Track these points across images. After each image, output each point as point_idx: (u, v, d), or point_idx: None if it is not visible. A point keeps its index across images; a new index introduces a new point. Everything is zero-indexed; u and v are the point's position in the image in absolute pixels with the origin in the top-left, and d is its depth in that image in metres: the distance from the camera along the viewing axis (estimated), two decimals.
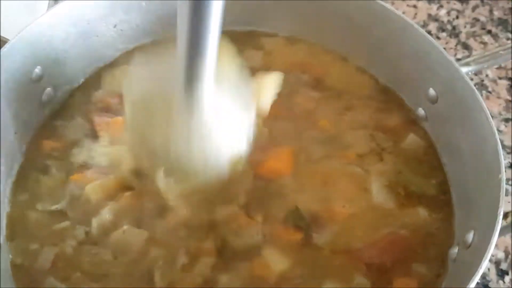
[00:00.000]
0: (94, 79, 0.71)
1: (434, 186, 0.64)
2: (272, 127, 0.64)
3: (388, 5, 0.68)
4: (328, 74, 0.73)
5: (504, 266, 0.70)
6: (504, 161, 0.55)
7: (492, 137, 0.57)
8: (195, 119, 0.49)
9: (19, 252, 0.57)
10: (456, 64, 0.62)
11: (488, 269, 0.70)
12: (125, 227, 0.57)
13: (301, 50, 0.76)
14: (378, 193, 0.62)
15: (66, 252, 0.56)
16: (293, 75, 0.71)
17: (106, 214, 0.58)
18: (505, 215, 0.53)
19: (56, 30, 0.65)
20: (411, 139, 0.68)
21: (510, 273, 0.70)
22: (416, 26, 0.66)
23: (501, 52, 0.63)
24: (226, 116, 0.52)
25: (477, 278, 0.48)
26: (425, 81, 0.68)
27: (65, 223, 0.58)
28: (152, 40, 0.74)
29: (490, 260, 0.71)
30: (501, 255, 0.71)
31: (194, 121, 0.50)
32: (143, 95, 0.53)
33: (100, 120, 0.65)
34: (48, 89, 0.67)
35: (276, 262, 0.57)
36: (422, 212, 0.62)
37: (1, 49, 0.58)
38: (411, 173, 0.64)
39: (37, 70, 0.64)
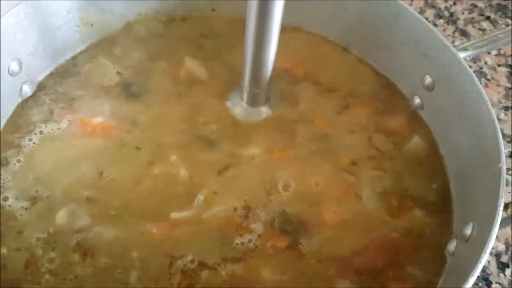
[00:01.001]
0: (68, 69, 0.68)
1: (434, 191, 0.61)
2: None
3: None
4: (326, 66, 0.71)
5: (504, 258, 0.68)
6: (504, 150, 0.52)
7: (491, 125, 0.54)
8: None
9: None
10: (453, 49, 0.60)
11: (488, 262, 0.67)
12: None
13: (300, 41, 0.73)
14: (369, 200, 0.59)
15: (36, 254, 0.53)
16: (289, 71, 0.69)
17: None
18: (506, 206, 0.50)
19: (33, 21, 0.62)
20: (415, 142, 0.64)
21: (511, 265, 0.67)
22: (410, 9, 0.63)
23: (500, 35, 0.60)
24: None
25: (477, 272, 0.45)
26: (421, 68, 0.65)
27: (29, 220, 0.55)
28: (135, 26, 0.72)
29: (490, 253, 0.68)
30: (501, 247, 0.69)
31: None
32: None
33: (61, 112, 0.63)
34: (26, 84, 0.64)
35: (258, 269, 0.54)
36: (417, 213, 0.59)
37: None
38: (410, 178, 0.61)
39: (14, 63, 0.61)
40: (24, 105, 0.64)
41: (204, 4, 0.74)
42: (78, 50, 0.69)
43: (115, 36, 0.71)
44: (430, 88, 0.64)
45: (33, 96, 0.65)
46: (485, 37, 0.61)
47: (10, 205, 0.56)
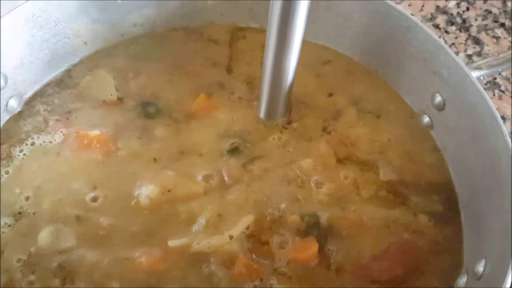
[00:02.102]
0: (60, 82, 0.65)
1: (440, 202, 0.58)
2: None
3: (389, 1, 0.61)
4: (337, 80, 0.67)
5: None
6: None
7: (506, 152, 0.50)
8: None
9: None
10: (466, 68, 0.55)
11: None
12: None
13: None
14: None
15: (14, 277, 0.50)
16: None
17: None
18: None
19: (18, 33, 0.59)
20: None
21: None
22: (420, 24, 0.59)
23: None
24: None
25: None
26: (431, 86, 0.61)
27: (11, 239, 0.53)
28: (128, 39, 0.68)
29: None
30: None
31: None
32: None
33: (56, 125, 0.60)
34: (13, 98, 0.61)
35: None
36: (423, 220, 0.56)
37: None
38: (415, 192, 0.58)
39: None
40: (17, 114, 0.61)
41: (203, 15, 0.70)
42: (70, 63, 0.66)
43: (111, 48, 0.68)
44: (440, 108, 0.60)
45: (27, 105, 0.62)
46: (500, 55, 0.57)
47: None
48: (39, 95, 0.63)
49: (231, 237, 0.53)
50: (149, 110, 0.62)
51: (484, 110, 0.53)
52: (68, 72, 0.65)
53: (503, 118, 0.78)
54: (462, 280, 0.52)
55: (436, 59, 0.59)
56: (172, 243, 0.52)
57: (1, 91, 0.59)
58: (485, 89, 0.81)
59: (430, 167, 0.60)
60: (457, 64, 0.56)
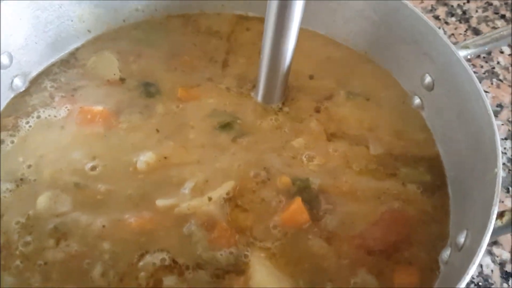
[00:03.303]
0: (66, 62, 0.68)
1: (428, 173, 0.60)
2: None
3: None
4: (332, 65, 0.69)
5: (508, 267, 0.64)
6: (501, 155, 0.49)
7: (489, 127, 0.51)
8: None
9: None
10: (453, 47, 0.57)
11: (492, 271, 0.64)
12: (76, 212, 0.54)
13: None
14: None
15: (11, 239, 0.53)
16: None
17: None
18: (500, 215, 0.47)
19: (23, 15, 0.61)
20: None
21: None
22: (410, 5, 0.61)
23: (503, 33, 0.57)
24: None
25: (463, 283, 0.42)
26: (421, 67, 0.62)
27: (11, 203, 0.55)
28: (126, 25, 0.71)
29: (494, 261, 0.65)
30: (506, 256, 0.65)
31: None
32: None
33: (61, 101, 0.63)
34: (18, 77, 0.63)
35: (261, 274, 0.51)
36: (412, 189, 0.58)
37: None
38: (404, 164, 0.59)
39: (4, 56, 0.61)
40: (25, 90, 0.64)
41: (204, 4, 0.73)
42: (73, 46, 0.69)
43: (114, 32, 0.70)
44: (429, 88, 0.61)
45: (35, 81, 0.65)
46: (486, 34, 0.58)
47: None
48: (46, 73, 0.66)
49: (209, 199, 0.55)
50: (150, 90, 0.65)
51: (471, 88, 0.54)
52: (74, 53, 0.68)
53: (500, 106, 0.79)
54: (446, 252, 0.53)
55: (426, 40, 0.60)
56: (160, 202, 0.54)
57: (6, 70, 0.62)
58: (483, 78, 0.83)
59: (418, 144, 0.61)
60: (445, 43, 0.57)
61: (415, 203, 0.57)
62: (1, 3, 0.58)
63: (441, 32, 0.58)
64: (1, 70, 0.61)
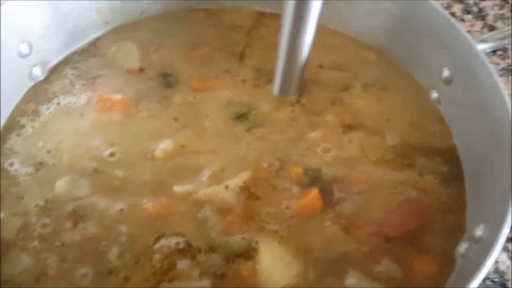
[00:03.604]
0: (87, 51, 0.69)
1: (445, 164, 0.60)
2: None
3: None
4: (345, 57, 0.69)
5: None
6: None
7: (507, 121, 0.51)
8: None
9: None
10: (472, 40, 0.56)
11: (508, 267, 0.64)
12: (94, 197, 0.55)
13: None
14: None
15: (30, 221, 0.54)
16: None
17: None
18: None
19: (42, 5, 0.62)
20: None
21: None
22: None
23: None
24: None
25: (480, 278, 0.42)
26: (440, 61, 0.62)
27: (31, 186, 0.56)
28: (145, 17, 0.72)
29: (510, 258, 0.64)
30: None
31: None
32: None
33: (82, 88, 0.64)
34: (37, 67, 0.64)
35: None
36: (429, 179, 0.58)
37: None
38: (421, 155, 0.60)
39: (24, 45, 0.62)
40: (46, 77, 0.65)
41: None
42: (92, 37, 0.69)
43: (134, 23, 0.71)
44: (448, 82, 0.61)
45: (56, 69, 0.66)
46: (505, 29, 0.57)
47: (15, 170, 0.57)
48: (66, 61, 0.67)
49: (226, 187, 0.55)
50: (168, 80, 0.65)
51: (488, 81, 0.54)
52: (94, 43, 0.69)
53: None
54: (463, 245, 0.53)
55: (444, 33, 0.60)
56: (177, 188, 0.55)
57: (26, 59, 0.62)
58: (499, 75, 0.82)
59: (435, 136, 0.61)
60: (464, 37, 0.57)
61: (432, 192, 0.57)
62: None
63: (459, 25, 0.58)
64: (21, 59, 0.62)
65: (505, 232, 0.45)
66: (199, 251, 0.52)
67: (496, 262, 0.64)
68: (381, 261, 0.52)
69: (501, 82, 0.53)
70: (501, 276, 0.63)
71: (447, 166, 0.59)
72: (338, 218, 0.54)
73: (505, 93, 0.52)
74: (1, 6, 0.57)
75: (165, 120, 0.61)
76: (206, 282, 0.50)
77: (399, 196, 0.56)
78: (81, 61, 0.67)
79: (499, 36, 0.58)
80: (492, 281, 0.62)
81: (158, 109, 0.62)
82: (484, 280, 0.62)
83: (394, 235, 0.53)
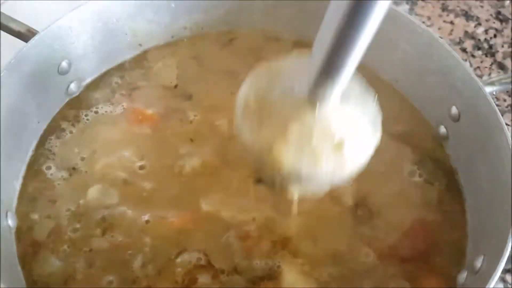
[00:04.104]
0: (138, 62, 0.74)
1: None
2: None
3: (414, 19, 0.67)
4: None
5: None
6: None
7: (509, 160, 0.55)
8: (319, 130, 0.43)
9: (21, 219, 0.58)
10: (480, 83, 0.61)
11: None
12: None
13: None
14: None
15: (61, 224, 0.58)
16: None
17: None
18: None
19: (85, 26, 0.67)
20: None
21: None
22: (441, 41, 0.65)
23: None
24: (354, 130, 0.45)
25: None
26: (449, 98, 0.66)
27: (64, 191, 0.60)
28: (179, 40, 0.76)
29: None
30: None
31: (318, 132, 0.43)
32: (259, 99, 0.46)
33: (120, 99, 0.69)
34: (73, 83, 0.69)
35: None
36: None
37: (30, 41, 0.60)
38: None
39: (64, 63, 0.66)
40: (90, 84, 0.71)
41: (252, 18, 0.77)
42: (125, 57, 0.74)
43: (166, 45, 0.76)
44: (455, 119, 0.65)
45: (102, 76, 0.71)
46: None
47: (51, 174, 0.62)
48: (117, 68, 0.72)
49: (253, 219, 0.59)
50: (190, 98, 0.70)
51: (494, 122, 0.58)
52: (145, 55, 0.74)
53: None
54: (462, 276, 0.57)
55: (454, 73, 0.64)
56: (205, 206, 0.59)
57: (65, 76, 0.67)
58: (506, 111, 0.86)
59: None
60: (473, 79, 0.61)
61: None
62: (68, 15, 0.64)
63: (469, 67, 0.63)
64: (60, 76, 0.67)
65: (501, 266, 0.49)
66: (222, 271, 0.55)
67: None
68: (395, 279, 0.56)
69: (504, 124, 0.57)
70: None
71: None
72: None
73: (509, 134, 0.57)
74: (52, 25, 0.62)
75: (183, 138, 0.65)
76: None
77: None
78: (130, 69, 0.72)
79: (507, 80, 0.62)
80: None
81: (179, 127, 0.66)
82: None
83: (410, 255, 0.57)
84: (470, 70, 0.62)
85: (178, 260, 0.56)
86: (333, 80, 0.40)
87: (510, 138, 0.56)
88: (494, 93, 0.62)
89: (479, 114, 0.61)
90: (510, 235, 0.50)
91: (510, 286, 0.68)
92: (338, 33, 0.36)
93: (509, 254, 0.50)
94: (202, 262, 0.56)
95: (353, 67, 0.39)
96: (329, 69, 0.39)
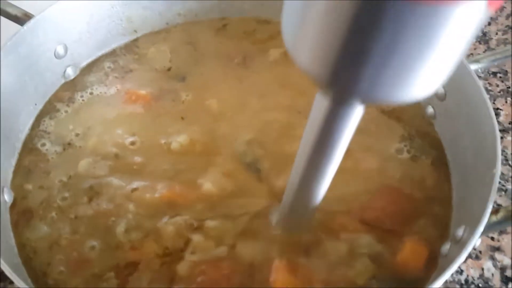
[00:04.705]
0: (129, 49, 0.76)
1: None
2: None
3: None
4: None
5: (509, 273, 0.68)
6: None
7: (492, 133, 0.56)
8: None
9: (15, 190, 0.61)
10: (464, 60, 0.62)
11: (492, 274, 0.68)
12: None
13: None
14: None
15: (52, 194, 0.60)
16: None
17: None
18: (496, 211, 0.51)
19: (80, 11, 0.69)
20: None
21: None
22: None
23: None
24: None
25: (447, 275, 0.47)
26: None
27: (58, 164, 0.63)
28: (172, 27, 0.79)
29: (495, 266, 0.68)
30: (507, 261, 0.69)
31: None
32: None
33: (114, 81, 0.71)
34: (70, 67, 0.71)
35: None
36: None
37: (25, 24, 0.63)
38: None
39: (60, 47, 0.69)
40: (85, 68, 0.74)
41: (244, 7, 0.79)
42: (120, 43, 0.76)
43: (161, 31, 0.79)
44: (442, 98, 0.66)
45: (97, 60, 0.74)
46: (498, 50, 0.63)
47: (46, 149, 0.64)
48: (108, 55, 0.75)
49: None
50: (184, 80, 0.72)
51: (479, 98, 0.59)
52: (135, 43, 0.77)
53: None
54: (446, 247, 0.57)
55: None
56: (203, 183, 0.60)
57: (61, 60, 0.70)
58: (498, 96, 0.87)
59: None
60: None
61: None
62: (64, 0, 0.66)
63: None
64: (57, 60, 0.69)
65: (478, 233, 0.50)
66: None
67: (481, 268, 0.69)
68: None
69: (487, 99, 0.58)
70: (486, 282, 0.68)
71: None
72: None
73: (491, 108, 0.57)
74: (47, 10, 0.65)
75: (175, 117, 0.67)
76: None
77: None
78: (121, 55, 0.75)
79: (492, 58, 0.63)
80: (477, 286, 0.67)
81: (171, 106, 0.69)
82: (469, 285, 0.67)
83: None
84: None
85: (169, 221, 0.57)
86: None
87: (493, 112, 0.57)
88: (479, 70, 0.63)
89: (464, 91, 0.62)
90: (489, 202, 0.50)
91: (499, 263, 0.69)
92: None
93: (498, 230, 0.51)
94: (195, 225, 0.57)
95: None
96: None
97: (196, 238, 0.56)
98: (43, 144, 0.65)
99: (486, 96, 0.59)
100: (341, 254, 0.55)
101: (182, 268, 0.54)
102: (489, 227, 0.51)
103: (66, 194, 0.60)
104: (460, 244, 0.53)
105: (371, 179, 0.62)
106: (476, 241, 0.49)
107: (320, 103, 0.36)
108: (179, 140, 0.64)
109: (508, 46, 0.63)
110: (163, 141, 0.64)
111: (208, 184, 0.60)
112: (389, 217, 0.58)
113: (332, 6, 0.28)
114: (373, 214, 0.58)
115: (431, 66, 0.30)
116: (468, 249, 0.48)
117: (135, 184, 0.60)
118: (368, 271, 0.55)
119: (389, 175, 0.63)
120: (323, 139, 0.39)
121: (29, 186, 0.61)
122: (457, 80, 0.63)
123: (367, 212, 0.58)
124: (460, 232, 0.55)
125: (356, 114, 0.36)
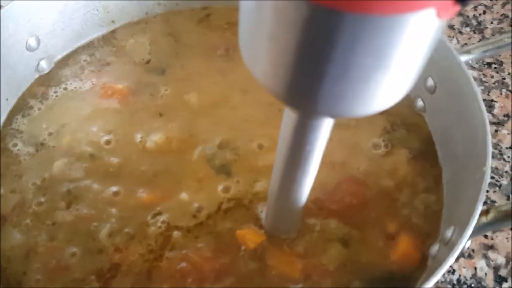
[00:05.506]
0: (107, 41, 0.73)
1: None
2: None
3: None
4: None
5: (503, 272, 0.65)
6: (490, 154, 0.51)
7: (482, 128, 0.53)
8: None
9: None
10: (454, 51, 0.59)
11: (486, 274, 0.66)
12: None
13: None
14: None
15: (26, 198, 0.57)
16: None
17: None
18: (486, 211, 0.49)
19: (54, 1, 0.66)
20: None
21: (509, 280, 0.65)
22: None
23: (505, 39, 0.59)
24: None
25: (435, 278, 0.45)
26: (425, 70, 0.64)
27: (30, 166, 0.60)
28: (152, 17, 0.75)
29: (489, 265, 0.66)
30: (501, 260, 0.66)
31: None
32: None
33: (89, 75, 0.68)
34: (44, 60, 0.68)
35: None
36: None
37: None
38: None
39: (32, 39, 0.65)
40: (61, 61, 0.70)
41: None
42: (97, 34, 0.73)
43: (140, 21, 0.75)
44: (431, 91, 0.63)
45: (73, 53, 0.71)
46: (489, 41, 0.60)
47: (18, 150, 0.61)
48: (85, 47, 0.72)
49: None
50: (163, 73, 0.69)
51: (469, 90, 0.56)
52: (113, 34, 0.74)
53: (507, 116, 0.80)
54: (435, 248, 0.55)
55: None
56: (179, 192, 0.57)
57: (33, 52, 0.66)
58: (493, 87, 0.84)
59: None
60: (447, 47, 0.59)
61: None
62: None
63: (444, 36, 0.61)
64: (29, 52, 0.66)
65: (469, 231, 0.47)
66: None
67: (474, 268, 0.66)
68: None
69: (478, 91, 0.55)
70: (479, 282, 0.65)
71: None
72: None
73: (482, 102, 0.55)
74: (13, 1, 0.61)
75: (153, 113, 0.64)
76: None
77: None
78: (98, 47, 0.72)
79: (484, 48, 0.60)
80: (469, 286, 0.64)
81: (150, 101, 0.66)
82: (461, 285, 0.64)
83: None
84: (445, 38, 0.60)
85: (151, 222, 0.55)
86: None
87: (483, 106, 0.54)
88: (470, 61, 0.60)
89: (454, 83, 0.59)
90: (479, 202, 0.48)
91: (492, 262, 0.66)
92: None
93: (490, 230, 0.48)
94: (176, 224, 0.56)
95: None
96: None
97: (177, 235, 0.54)
98: (15, 145, 0.62)
99: (477, 89, 0.56)
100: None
101: (164, 263, 0.53)
102: (479, 229, 0.48)
103: (42, 199, 0.57)
104: (449, 245, 0.51)
105: (335, 171, 0.60)
106: (465, 243, 0.47)
107: (288, 116, 0.35)
108: (154, 140, 0.61)
109: (501, 36, 0.59)
110: (138, 140, 0.62)
111: (184, 195, 0.58)
112: (348, 207, 0.57)
113: (281, 21, 0.27)
114: (332, 204, 0.57)
115: (391, 78, 0.29)
116: (457, 252, 0.46)
117: (114, 188, 0.58)
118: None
119: (354, 167, 0.61)
120: (295, 152, 0.38)
121: (1, 190, 0.58)
122: (447, 72, 0.60)
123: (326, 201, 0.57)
124: (449, 232, 0.52)
125: (325, 126, 0.35)
